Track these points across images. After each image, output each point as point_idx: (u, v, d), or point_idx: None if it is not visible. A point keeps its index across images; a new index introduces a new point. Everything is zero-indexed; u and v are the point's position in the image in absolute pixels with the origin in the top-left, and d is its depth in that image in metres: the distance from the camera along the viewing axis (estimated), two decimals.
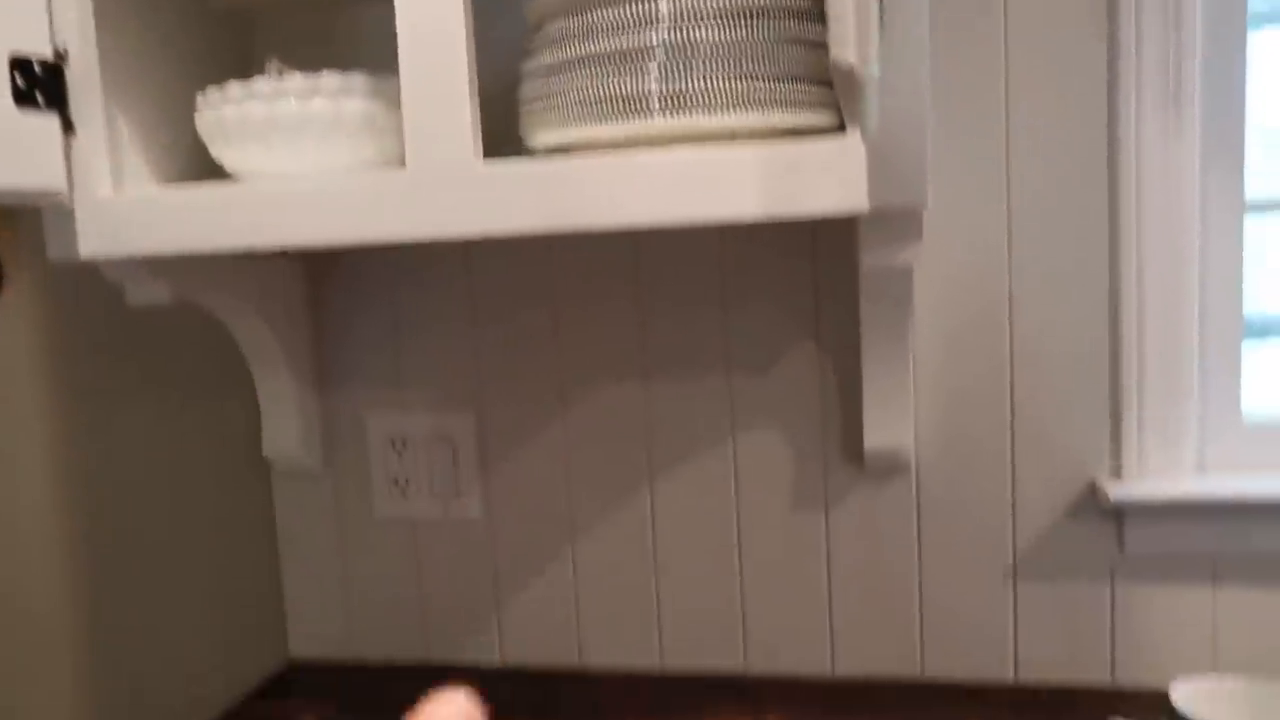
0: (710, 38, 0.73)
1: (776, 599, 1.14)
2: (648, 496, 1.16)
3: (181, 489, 1.10)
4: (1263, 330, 1.13)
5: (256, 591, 1.24)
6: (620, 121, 0.74)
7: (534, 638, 1.22)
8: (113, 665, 1.00)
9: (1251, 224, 1.02)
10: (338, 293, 1.22)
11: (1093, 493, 1.04)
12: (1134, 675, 1.06)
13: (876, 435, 1.04)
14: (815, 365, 1.10)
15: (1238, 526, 0.99)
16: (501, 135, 0.91)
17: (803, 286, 1.09)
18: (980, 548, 1.08)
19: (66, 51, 0.82)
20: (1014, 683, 1.10)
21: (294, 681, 1.23)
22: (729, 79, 0.73)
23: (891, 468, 1.09)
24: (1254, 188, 1.02)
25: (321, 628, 1.28)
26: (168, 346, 1.09)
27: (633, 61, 0.74)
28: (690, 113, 0.73)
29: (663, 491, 1.15)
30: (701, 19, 0.73)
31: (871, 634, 1.12)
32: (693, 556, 1.16)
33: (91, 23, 0.83)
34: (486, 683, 1.19)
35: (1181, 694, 0.65)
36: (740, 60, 0.73)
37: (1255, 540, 1.00)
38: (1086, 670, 1.08)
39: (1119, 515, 1.03)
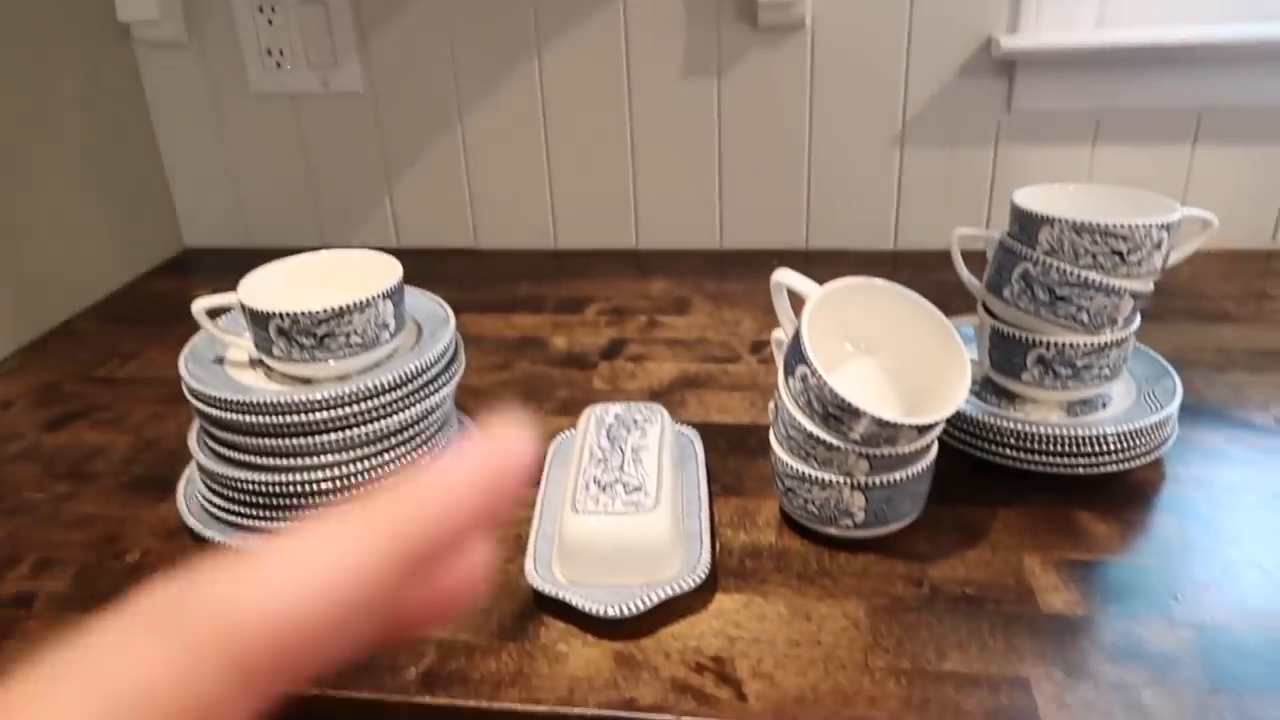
0: None
1: (668, 175, 1.14)
2: (535, 66, 1.10)
3: (43, 67, 1.02)
4: None
5: (139, 178, 1.19)
6: None
7: (428, 220, 1.21)
8: (5, 257, 0.98)
9: None
10: None
11: (987, 49, 1.01)
12: None
13: None
14: None
15: (1124, 78, 0.98)
16: None
17: None
18: (871, 111, 1.07)
19: None
20: (894, 249, 1.13)
21: (189, 266, 1.23)
22: None
23: (786, 26, 1.04)
24: None
25: (213, 216, 1.25)
26: None
27: None
28: None
29: (551, 61, 1.10)
30: None
31: (760, 207, 1.14)
32: (583, 131, 1.13)
33: None
34: None
35: (1023, 195, 0.66)
36: None
37: (1140, 93, 0.99)
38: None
39: (1010, 70, 1.01)
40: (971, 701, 0.50)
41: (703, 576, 0.57)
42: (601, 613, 0.54)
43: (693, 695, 0.51)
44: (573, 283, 1.09)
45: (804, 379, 0.57)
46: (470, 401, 0.84)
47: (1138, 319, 0.66)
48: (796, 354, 0.57)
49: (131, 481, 0.75)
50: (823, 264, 1.10)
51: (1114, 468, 0.64)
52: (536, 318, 1.00)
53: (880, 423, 0.55)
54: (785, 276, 0.62)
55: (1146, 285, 0.64)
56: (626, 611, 0.54)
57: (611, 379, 0.86)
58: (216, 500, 0.66)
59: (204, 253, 1.26)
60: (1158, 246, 0.62)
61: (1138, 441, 0.64)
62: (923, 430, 0.56)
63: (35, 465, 0.78)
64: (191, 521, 0.66)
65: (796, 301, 0.62)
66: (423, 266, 1.17)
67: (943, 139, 1.06)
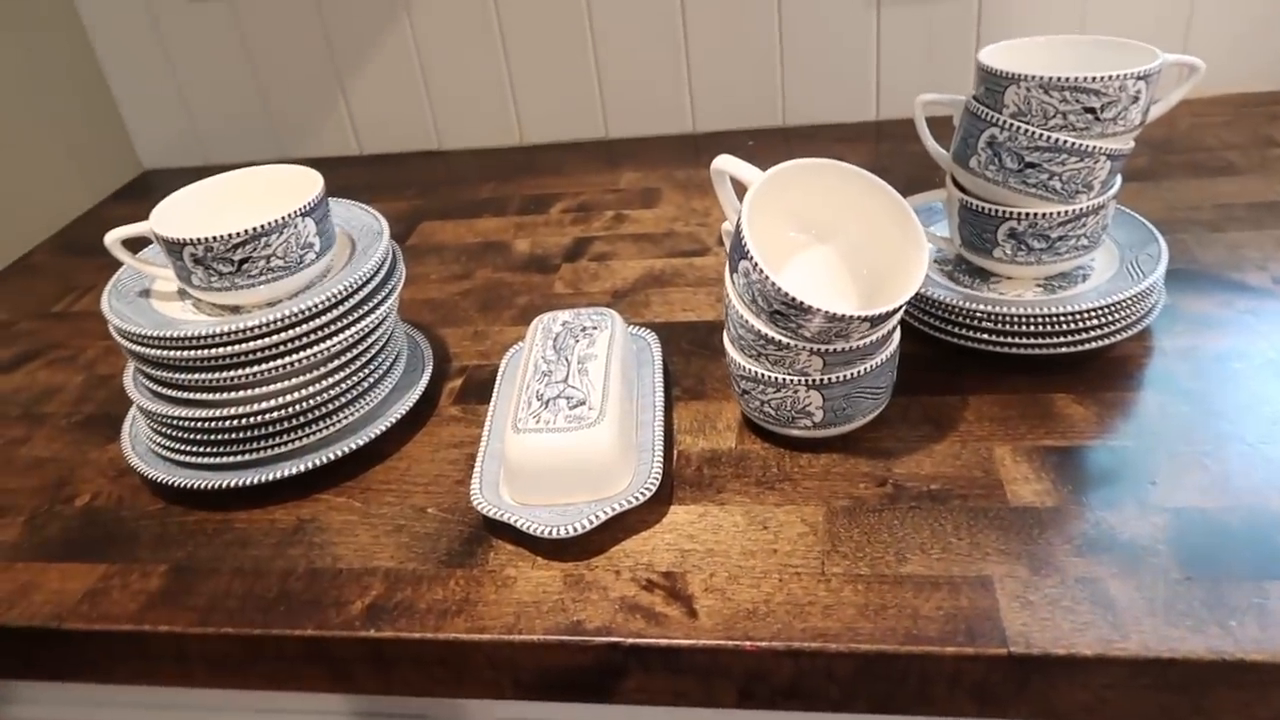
0: None
1: (632, 56, 1.07)
2: None
3: None
4: None
5: (85, 101, 1.14)
6: None
7: (387, 124, 1.15)
8: None
9: None
10: None
11: None
12: None
13: None
14: None
15: None
16: None
17: None
18: None
19: None
20: (876, 119, 1.07)
21: (148, 188, 1.19)
22: None
23: None
24: None
25: (167, 135, 1.20)
26: None
27: None
28: None
29: None
30: None
31: (731, 85, 1.07)
32: (538, 15, 1.06)
33: None
34: (344, 169, 1.15)
35: (987, 52, 0.60)
36: None
37: None
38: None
39: None
40: (930, 605, 0.47)
41: (652, 490, 0.54)
42: (546, 534, 0.52)
43: (642, 615, 0.49)
44: (539, 180, 1.04)
45: (747, 275, 0.53)
46: (429, 314, 0.81)
47: (1117, 182, 0.61)
48: (738, 248, 0.53)
49: (83, 421, 0.73)
50: (801, 140, 1.05)
51: (1092, 345, 0.60)
52: (499, 220, 0.96)
53: (830, 317, 0.51)
54: (726, 164, 0.57)
55: (1125, 144, 0.59)
56: (571, 532, 0.52)
57: (574, 282, 0.82)
58: (159, 439, 0.63)
59: (163, 174, 1.22)
60: (1135, 100, 0.57)
61: (1118, 315, 0.60)
62: (875, 322, 0.52)
63: None
64: (135, 461, 0.64)
65: (742, 190, 0.57)
66: (385, 174, 1.13)
67: None
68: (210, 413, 0.60)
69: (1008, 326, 0.61)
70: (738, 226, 0.53)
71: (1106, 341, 0.60)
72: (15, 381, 0.80)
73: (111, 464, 0.68)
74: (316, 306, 0.59)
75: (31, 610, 0.56)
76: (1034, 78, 0.56)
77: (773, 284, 0.51)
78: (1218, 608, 0.45)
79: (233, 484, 0.60)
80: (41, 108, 1.07)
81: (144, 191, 1.18)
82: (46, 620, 0.55)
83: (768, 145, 1.04)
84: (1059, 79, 0.56)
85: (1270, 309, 0.65)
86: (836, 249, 0.59)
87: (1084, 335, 0.60)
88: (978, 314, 0.61)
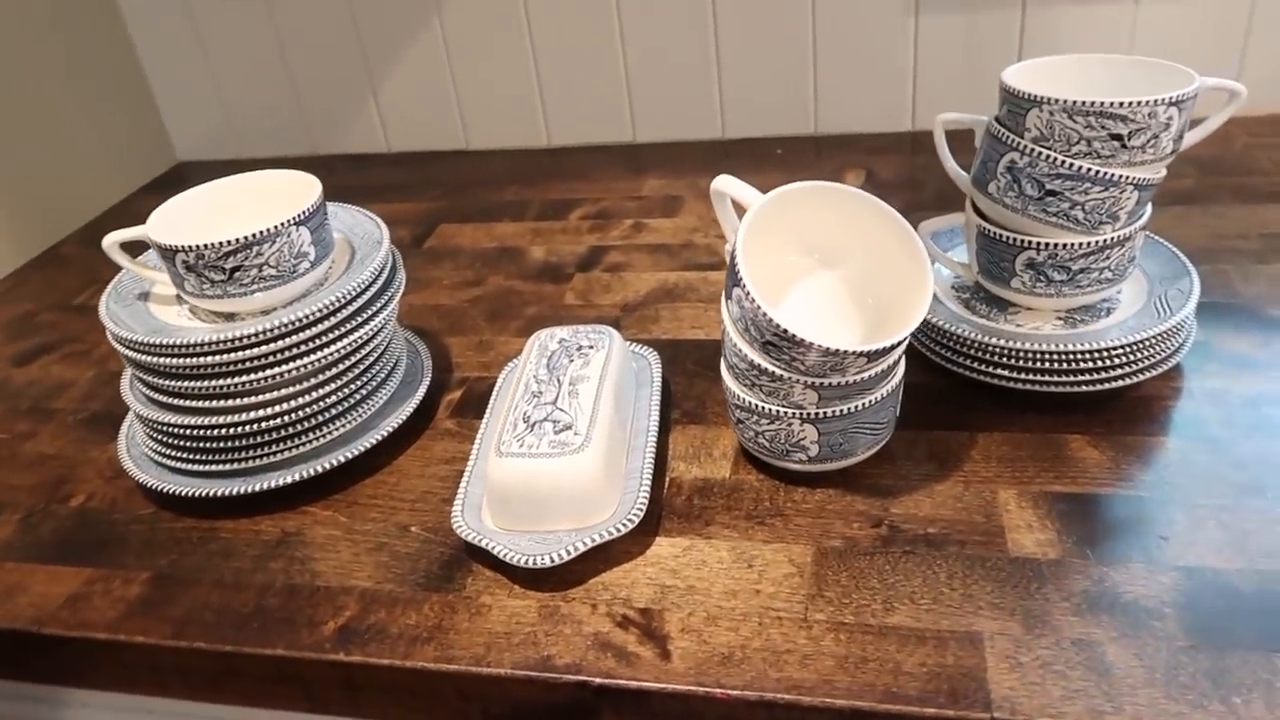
0: None
1: (662, 59, 1.04)
2: None
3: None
4: None
5: (124, 94, 1.15)
6: None
7: (416, 122, 1.15)
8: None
9: None
10: None
11: None
12: None
13: None
14: None
15: None
16: None
17: None
18: None
19: None
20: (912, 130, 1.03)
21: (182, 180, 1.20)
22: None
23: None
24: None
25: (203, 130, 1.21)
26: None
27: None
28: None
29: None
30: None
31: (763, 91, 1.04)
32: (567, 16, 1.04)
33: None
34: (373, 166, 1.14)
35: (1011, 72, 0.57)
36: None
37: None
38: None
39: None
40: (913, 661, 0.45)
41: (635, 521, 0.52)
42: (522, 563, 0.51)
43: (613, 654, 0.47)
44: (562, 184, 1.03)
45: (740, 302, 0.51)
46: (437, 321, 0.79)
47: (1146, 212, 0.58)
48: (733, 274, 0.51)
49: (88, 419, 0.73)
50: (833, 150, 1.02)
51: (1111, 385, 0.57)
52: (517, 225, 0.95)
53: (824, 352, 0.48)
54: (725, 184, 0.55)
55: (1154, 173, 0.55)
56: (547, 562, 0.50)
57: (584, 293, 0.81)
58: (152, 444, 0.63)
59: (196, 166, 1.23)
60: (1166, 126, 0.53)
61: (1141, 354, 0.56)
62: (873, 358, 0.49)
63: (1, 403, 0.77)
64: (129, 465, 0.64)
65: (743, 213, 0.55)
66: (411, 172, 1.13)
67: (962, 2, 0.95)
68: (199, 420, 0.59)
69: (1023, 363, 0.58)
70: (733, 252, 0.51)
71: (1128, 381, 0.57)
72: (30, 374, 0.81)
73: (110, 464, 0.68)
74: (309, 316, 0.58)
75: (15, 612, 0.56)
76: (1057, 101, 0.53)
77: (765, 315, 0.49)
78: (1223, 681, 0.42)
79: (219, 493, 0.60)
80: (80, 100, 1.08)
81: (176, 183, 1.18)
82: (27, 624, 0.55)
83: (798, 153, 1.02)
84: (1083, 103, 0.52)
85: None
86: (842, 276, 0.57)
87: (1104, 375, 0.57)
88: (992, 348, 0.58)
